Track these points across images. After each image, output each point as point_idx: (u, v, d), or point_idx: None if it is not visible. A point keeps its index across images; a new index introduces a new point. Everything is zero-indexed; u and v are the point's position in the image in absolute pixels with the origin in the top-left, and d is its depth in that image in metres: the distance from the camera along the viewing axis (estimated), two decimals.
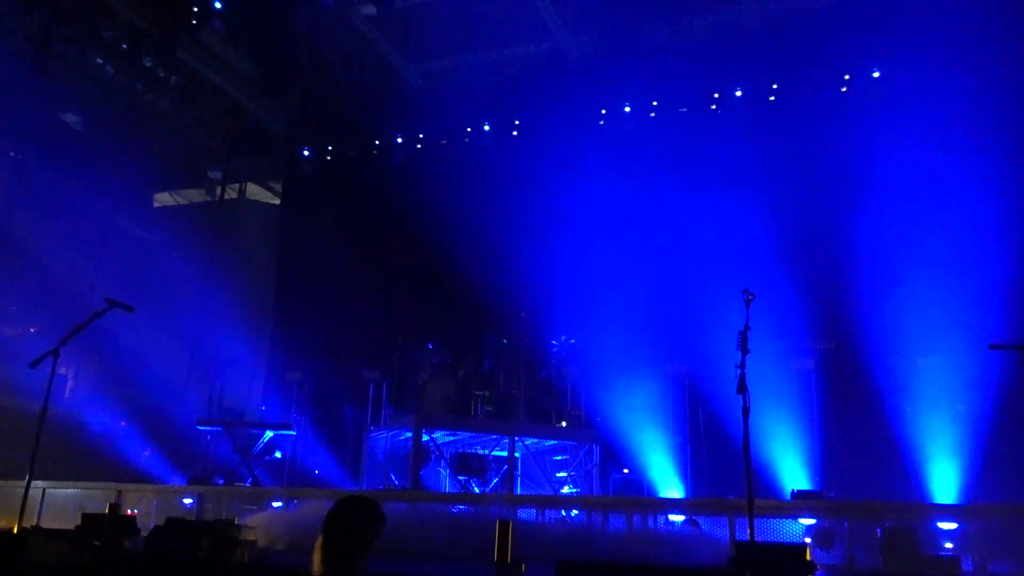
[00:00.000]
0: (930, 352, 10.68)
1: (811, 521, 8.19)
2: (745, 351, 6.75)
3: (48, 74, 14.03)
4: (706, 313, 12.43)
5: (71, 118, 15.40)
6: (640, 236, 13.12)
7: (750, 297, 7.19)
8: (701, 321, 12.52)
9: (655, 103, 14.30)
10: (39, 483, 9.12)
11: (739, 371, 6.64)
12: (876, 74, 13.07)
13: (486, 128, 15.13)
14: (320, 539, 3.61)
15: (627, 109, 14.38)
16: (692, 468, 11.43)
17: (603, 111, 14.60)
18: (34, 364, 7.70)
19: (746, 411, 6.62)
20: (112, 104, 15.20)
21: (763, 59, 13.54)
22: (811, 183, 12.47)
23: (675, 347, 12.18)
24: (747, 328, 6.86)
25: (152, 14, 14.23)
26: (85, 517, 6.22)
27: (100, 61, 14.88)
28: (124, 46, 14.70)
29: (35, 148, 15.17)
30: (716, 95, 13.96)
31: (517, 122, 14.88)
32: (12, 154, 15.50)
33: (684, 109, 14.20)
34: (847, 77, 13.18)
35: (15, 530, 7.41)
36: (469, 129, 15.26)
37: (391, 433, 11.67)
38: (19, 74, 13.66)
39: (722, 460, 10.93)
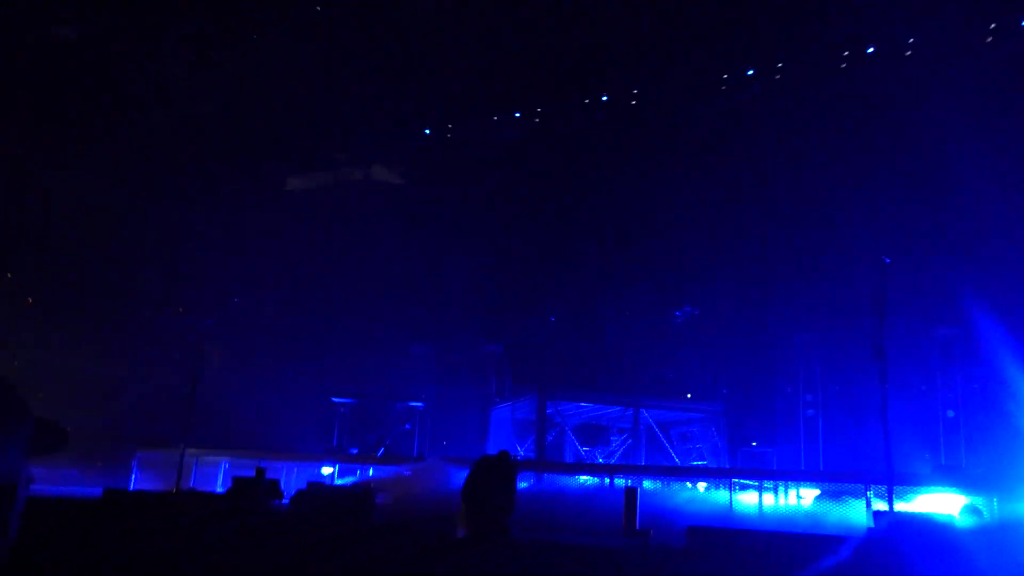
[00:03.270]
0: None
1: (958, 495, 7.76)
2: (882, 316, 6.47)
3: (180, 64, 14.80)
4: (837, 282, 11.96)
5: (207, 106, 16.22)
6: (763, 204, 12.70)
7: (885, 264, 6.89)
8: (832, 289, 12.05)
9: (779, 65, 13.71)
10: (192, 451, 9.77)
11: (877, 337, 6.38)
12: None
13: (603, 99, 14.93)
14: (462, 507, 3.71)
15: (749, 73, 13.85)
16: (825, 440, 11.03)
17: (724, 76, 14.12)
18: (184, 338, 8.26)
19: (884, 379, 6.34)
20: (241, 92, 15.90)
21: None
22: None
23: (804, 316, 11.75)
24: (883, 293, 6.57)
25: (277, 4, 14.76)
26: (236, 480, 6.64)
27: (226, 55, 15.58)
28: (253, 36, 15.33)
29: (171, 140, 16.05)
30: (846, 53, 13.24)
31: (635, 91, 14.62)
32: (151, 143, 16.45)
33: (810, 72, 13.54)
34: None
35: (175, 491, 8.01)
36: (587, 101, 15.10)
37: (516, 404, 11.83)
38: (152, 62, 14.45)
39: (857, 431, 10.50)
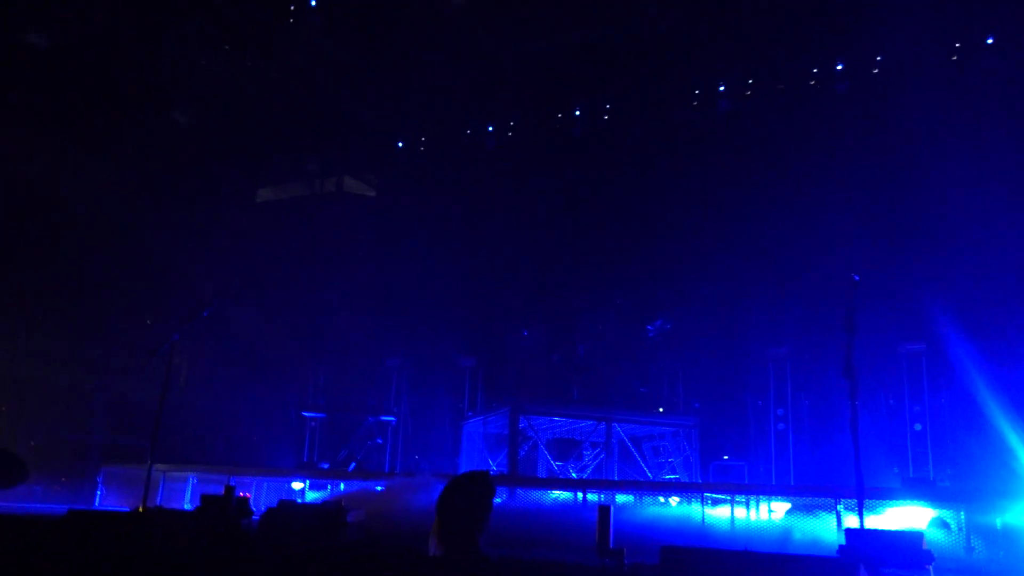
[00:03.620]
0: None
1: (926, 509, 7.85)
2: (851, 333, 6.53)
3: (157, 75, 14.69)
4: (808, 297, 12.10)
5: (180, 116, 16.07)
6: (736, 218, 12.82)
7: (855, 281, 6.97)
8: (802, 305, 12.19)
9: (750, 81, 13.89)
10: (160, 466, 9.62)
11: (847, 354, 6.43)
12: None
13: (576, 113, 15.01)
14: (436, 521, 3.64)
15: (721, 89, 14.02)
16: (796, 454, 11.14)
17: (696, 91, 14.28)
18: (152, 352, 8.15)
19: (854, 395, 6.40)
20: (215, 102, 15.79)
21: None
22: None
23: (776, 331, 11.87)
24: (853, 310, 6.63)
25: (251, 12, 14.68)
26: (204, 498, 6.52)
27: (203, 62, 15.46)
28: (226, 47, 15.24)
29: (147, 145, 15.89)
30: (815, 70, 13.44)
31: (608, 106, 14.72)
32: (127, 151, 16.27)
33: (781, 87, 13.73)
34: None
35: (141, 510, 7.86)
36: (560, 115, 15.18)
37: (488, 418, 11.81)
38: (129, 76, 14.33)
39: (828, 445, 10.61)
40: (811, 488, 8.81)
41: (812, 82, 13.25)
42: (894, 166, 11.92)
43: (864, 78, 13.00)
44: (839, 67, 13.12)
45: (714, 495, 9.13)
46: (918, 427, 10.81)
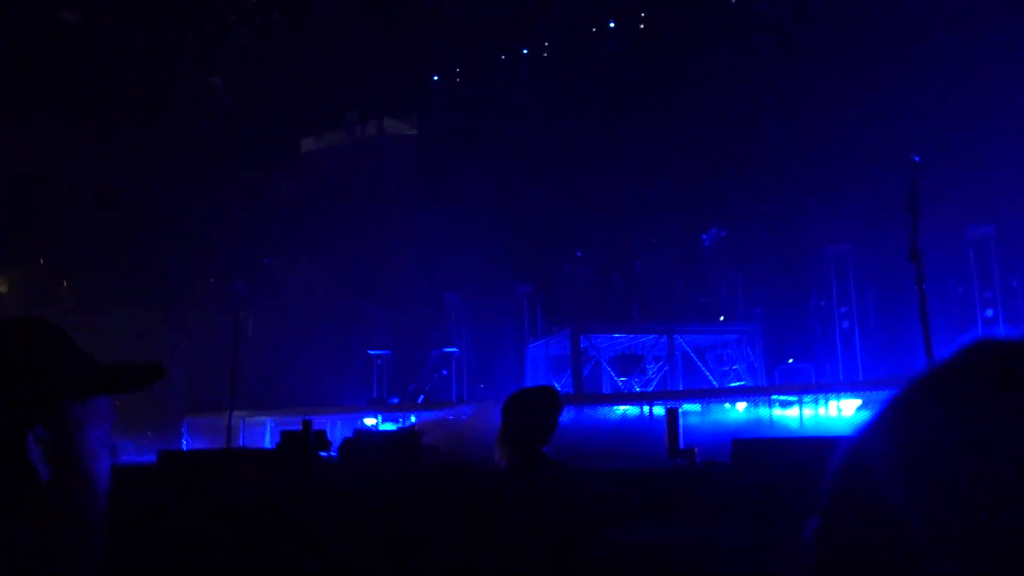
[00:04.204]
0: None
1: None
2: (915, 215, 6.35)
3: (192, 42, 14.77)
4: (866, 189, 11.76)
5: (216, 80, 16.19)
6: (785, 113, 12.44)
7: (915, 163, 6.76)
8: (861, 198, 11.87)
9: None
10: (239, 413, 10.00)
11: (911, 238, 6.27)
12: None
13: (611, 25, 14.63)
14: (500, 432, 3.70)
15: None
16: (863, 351, 10.98)
17: None
18: (219, 306, 8.38)
19: (921, 279, 6.26)
20: (249, 61, 15.83)
21: None
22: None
23: (834, 227, 11.60)
24: (916, 192, 6.44)
25: None
26: (284, 435, 6.79)
27: (235, 20, 15.48)
28: (253, 1, 15.20)
29: (190, 113, 16.12)
30: None
31: (643, 14, 14.30)
32: (171, 120, 16.54)
33: None
34: None
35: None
36: (594, 29, 14.82)
37: (549, 341, 11.91)
38: (164, 46, 14.44)
39: (896, 339, 10.43)
40: (880, 382, 8.72)
41: None
42: (945, 45, 11.36)
43: None
44: None
45: (781, 397, 9.13)
46: (990, 313, 10.54)
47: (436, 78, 16.86)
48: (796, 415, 8.79)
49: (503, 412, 3.67)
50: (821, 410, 8.97)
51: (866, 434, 0.60)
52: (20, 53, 13.61)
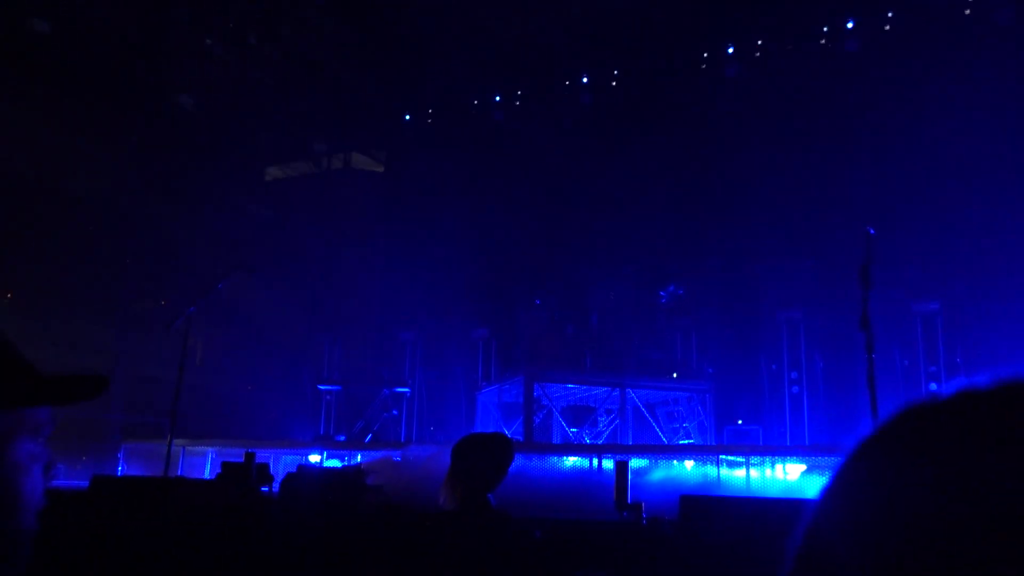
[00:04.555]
0: None
1: None
2: (867, 286, 6.51)
3: (159, 56, 14.69)
4: (819, 260, 12.05)
5: (185, 100, 16.07)
6: (745, 182, 12.75)
7: (870, 235, 6.94)
8: (814, 268, 12.15)
9: (759, 42, 13.75)
10: (179, 441, 9.71)
11: (862, 307, 6.41)
12: None
13: (584, 80, 14.93)
14: (448, 473, 3.64)
15: (730, 51, 13.88)
16: (811, 417, 11.14)
17: (705, 55, 14.16)
18: (168, 325, 8.22)
19: (870, 348, 6.38)
20: (221, 84, 15.79)
21: None
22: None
23: (788, 293, 11.84)
24: (869, 263, 6.60)
25: None
26: (225, 466, 6.61)
27: (209, 42, 15.44)
28: (230, 25, 15.20)
29: (151, 129, 15.96)
30: (825, 29, 13.29)
31: (616, 71, 14.63)
32: (133, 137, 16.36)
33: (790, 47, 13.59)
34: None
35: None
36: (568, 83, 15.11)
37: (502, 387, 11.85)
38: (133, 59, 14.33)
39: (843, 407, 10.61)
40: (826, 447, 8.82)
41: (822, 41, 13.13)
42: (902, 123, 11.82)
43: (874, 34, 12.86)
44: (849, 25, 13.00)
45: (729, 456, 9.17)
46: (934, 387, 10.79)
47: (408, 117, 16.97)
48: (743, 475, 8.83)
49: (452, 454, 3.62)
50: (768, 472, 9.03)
51: (820, 502, 0.61)
52: None
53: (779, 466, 9.26)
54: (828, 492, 0.59)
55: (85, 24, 13.95)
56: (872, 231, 6.73)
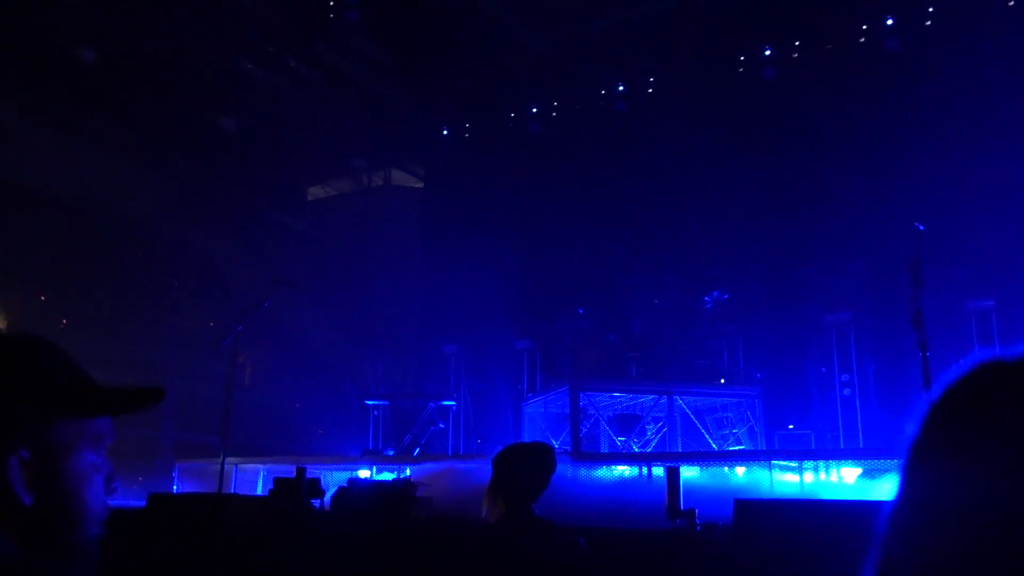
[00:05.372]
0: None
1: None
2: (918, 285, 6.37)
3: (202, 81, 15.02)
4: (868, 260, 11.83)
5: (227, 123, 16.40)
6: (789, 184, 12.59)
7: (919, 231, 6.81)
8: (863, 269, 11.94)
9: (796, 43, 13.58)
10: (231, 459, 9.85)
11: (914, 306, 6.28)
12: None
13: (620, 88, 14.90)
14: (490, 483, 3.63)
15: (767, 53, 13.73)
16: (864, 419, 10.90)
17: (741, 58, 14.04)
18: (217, 344, 8.35)
19: (924, 347, 6.24)
20: (262, 105, 16.08)
21: None
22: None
23: (836, 296, 11.64)
24: (919, 260, 6.47)
25: (290, 14, 14.92)
26: (277, 482, 6.68)
27: (249, 66, 15.75)
28: (269, 48, 15.50)
29: (196, 153, 16.33)
30: (864, 27, 13.08)
31: (652, 78, 14.57)
32: (179, 161, 16.75)
33: (829, 46, 13.40)
34: None
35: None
36: (603, 91, 15.10)
37: (547, 398, 11.81)
38: (176, 85, 14.67)
39: (896, 409, 10.36)
40: (881, 451, 8.62)
41: (862, 39, 12.93)
42: (947, 117, 11.57)
43: (916, 29, 12.63)
44: (889, 22, 12.79)
45: (782, 462, 9.01)
46: None
47: (445, 132, 17.10)
48: (796, 481, 8.66)
49: (494, 464, 3.61)
50: (822, 476, 8.84)
51: (897, 500, 0.59)
52: (39, 81, 13.84)
53: (834, 471, 9.07)
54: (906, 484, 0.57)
55: (129, 52, 14.33)
56: (921, 227, 6.60)
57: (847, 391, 11.23)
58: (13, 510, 1.12)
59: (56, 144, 14.46)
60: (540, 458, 3.62)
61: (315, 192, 19.94)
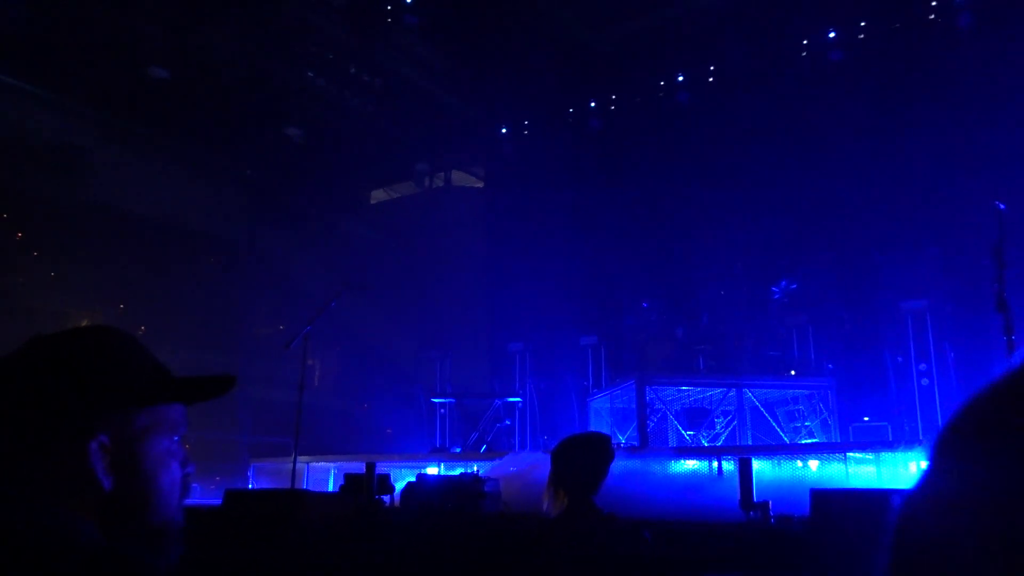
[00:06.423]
0: None
1: None
2: (1002, 266, 6.12)
3: (268, 93, 15.40)
4: (945, 244, 11.42)
5: (293, 132, 16.76)
6: (858, 168, 12.22)
7: (1000, 210, 6.54)
8: (939, 253, 11.52)
9: (863, 23, 13.18)
10: (303, 458, 10.07)
11: (998, 287, 6.03)
12: None
13: (680, 79, 14.70)
14: (549, 477, 3.62)
15: (831, 35, 13.36)
16: (944, 410, 10.50)
17: (804, 42, 13.70)
18: (287, 345, 8.54)
19: (1009, 330, 5.99)
20: (324, 113, 16.39)
21: None
22: None
23: (911, 282, 11.24)
24: (1001, 240, 6.21)
25: (350, 23, 15.16)
26: (348, 477, 6.79)
27: (311, 75, 16.06)
28: (330, 57, 15.78)
29: (263, 163, 16.75)
30: (934, 3, 12.61)
31: (711, 67, 14.34)
32: (247, 172, 17.20)
33: (897, 25, 12.96)
34: None
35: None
36: (663, 83, 14.91)
37: (613, 393, 11.73)
38: (242, 98, 15.07)
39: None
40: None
41: (931, 16, 12.48)
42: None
43: (988, 1, 12.12)
44: None
45: (857, 455, 8.74)
46: None
47: (504, 130, 17.14)
48: (873, 473, 8.39)
49: (552, 457, 3.60)
50: (900, 469, 8.55)
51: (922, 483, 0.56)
52: (114, 101, 14.39)
53: (912, 463, 8.76)
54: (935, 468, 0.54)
55: (197, 68, 14.77)
56: (1003, 207, 6.33)
57: (925, 381, 10.84)
58: (95, 495, 1.16)
59: (131, 163, 15.03)
60: (596, 447, 3.60)
61: (378, 196, 20.23)
